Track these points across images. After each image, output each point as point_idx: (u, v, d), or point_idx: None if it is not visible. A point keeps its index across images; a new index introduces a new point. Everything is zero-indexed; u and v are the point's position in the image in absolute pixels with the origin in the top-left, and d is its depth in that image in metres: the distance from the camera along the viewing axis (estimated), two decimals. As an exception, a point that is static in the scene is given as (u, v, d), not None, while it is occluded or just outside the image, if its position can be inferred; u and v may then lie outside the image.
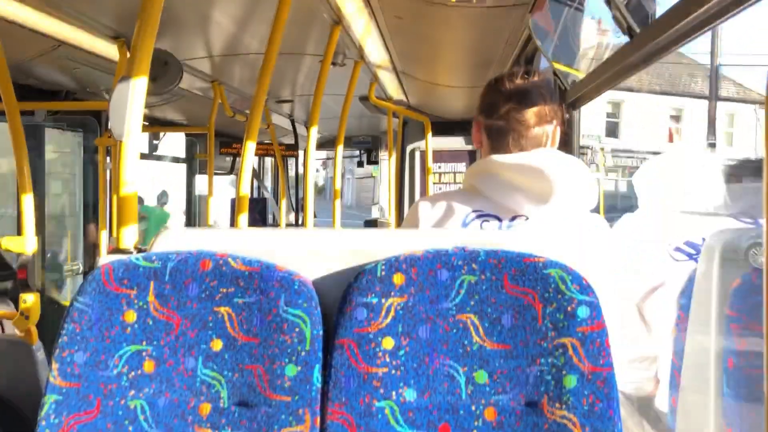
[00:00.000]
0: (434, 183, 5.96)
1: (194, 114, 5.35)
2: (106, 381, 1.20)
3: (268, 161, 8.83)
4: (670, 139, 28.67)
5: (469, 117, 5.87)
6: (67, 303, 4.66)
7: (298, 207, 7.24)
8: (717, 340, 1.37)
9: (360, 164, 9.76)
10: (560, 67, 2.47)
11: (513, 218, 1.50)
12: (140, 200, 7.16)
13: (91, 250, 4.92)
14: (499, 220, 1.50)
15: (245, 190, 2.46)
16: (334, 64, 3.33)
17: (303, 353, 1.18)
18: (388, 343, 1.17)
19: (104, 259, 1.29)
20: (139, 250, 1.40)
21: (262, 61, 2.26)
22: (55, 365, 1.20)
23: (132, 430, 1.19)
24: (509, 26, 2.75)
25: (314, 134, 3.25)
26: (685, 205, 1.70)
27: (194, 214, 7.31)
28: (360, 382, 1.17)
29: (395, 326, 1.18)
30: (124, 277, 1.23)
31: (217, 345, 1.21)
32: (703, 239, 1.61)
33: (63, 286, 5.10)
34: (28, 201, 2.58)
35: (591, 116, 25.86)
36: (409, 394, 1.16)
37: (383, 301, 1.18)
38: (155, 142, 6.94)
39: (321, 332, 1.19)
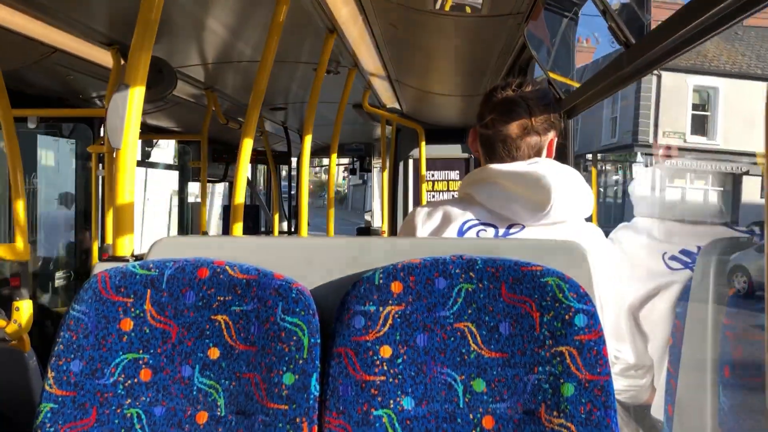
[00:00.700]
0: (427, 191, 5.97)
1: (187, 121, 5.34)
2: (102, 389, 1.20)
3: (260, 169, 8.82)
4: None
5: (462, 125, 5.90)
6: (59, 310, 4.64)
7: (291, 215, 7.23)
8: (713, 349, 1.37)
9: (353, 172, 9.75)
10: (555, 76, 2.48)
11: (509, 227, 1.51)
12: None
13: (83, 258, 4.90)
14: (496, 228, 1.51)
15: (240, 198, 2.46)
16: (328, 71, 3.33)
17: (300, 361, 1.18)
18: (386, 351, 1.17)
19: (100, 266, 1.28)
20: (136, 258, 1.39)
21: (256, 69, 2.26)
22: (50, 373, 1.19)
23: None
24: (504, 35, 2.76)
25: (309, 141, 3.25)
26: (681, 214, 1.71)
27: (186, 221, 7.29)
28: (358, 390, 1.16)
29: (393, 334, 1.18)
30: (121, 285, 1.22)
31: (214, 353, 1.21)
32: (699, 248, 1.62)
33: (55, 293, 5.07)
34: (21, 208, 2.57)
35: (675, 107, 20.72)
36: (407, 403, 1.16)
37: (381, 309, 1.18)
38: (147, 149, 6.92)
39: (319, 340, 1.19)
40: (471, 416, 1.15)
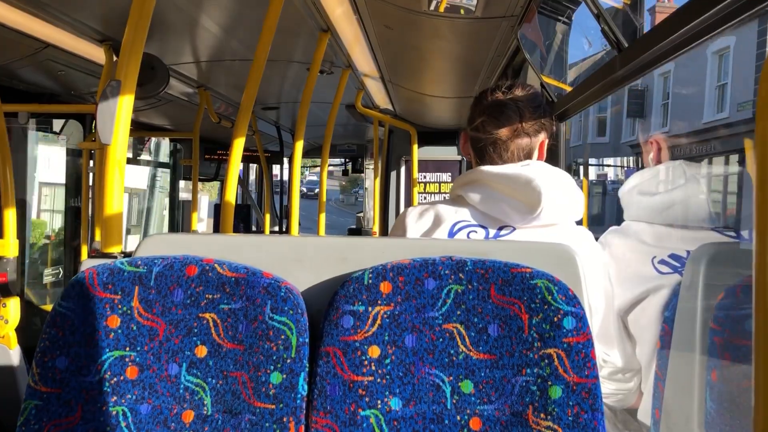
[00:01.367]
0: (419, 193, 5.97)
1: (179, 119, 5.33)
2: (87, 386, 1.19)
3: (252, 168, 8.81)
4: None
5: (455, 128, 5.91)
6: (46, 308, 4.62)
7: (282, 215, 7.22)
8: (701, 353, 1.38)
9: (345, 173, 9.75)
10: (548, 79, 2.48)
11: (500, 229, 1.51)
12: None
13: (72, 254, 4.88)
14: (486, 230, 1.51)
15: (230, 197, 2.45)
16: (321, 71, 3.33)
17: (288, 361, 1.17)
18: (374, 351, 1.17)
19: (88, 263, 1.27)
20: (125, 255, 1.39)
21: (249, 68, 2.26)
22: (35, 370, 1.18)
23: None
24: (498, 38, 2.76)
25: (301, 141, 3.24)
26: (670, 218, 1.71)
27: (178, 220, 7.27)
28: (345, 390, 1.16)
29: (381, 335, 1.17)
30: (109, 282, 1.22)
31: (202, 351, 1.20)
32: (688, 252, 1.62)
33: (43, 290, 5.04)
34: (10, 204, 2.55)
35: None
36: (395, 403, 1.16)
37: (370, 309, 1.18)
38: (139, 146, 6.90)
39: (307, 340, 1.19)
40: (458, 417, 1.15)
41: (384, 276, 1.19)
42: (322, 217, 4.27)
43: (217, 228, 7.11)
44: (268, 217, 6.84)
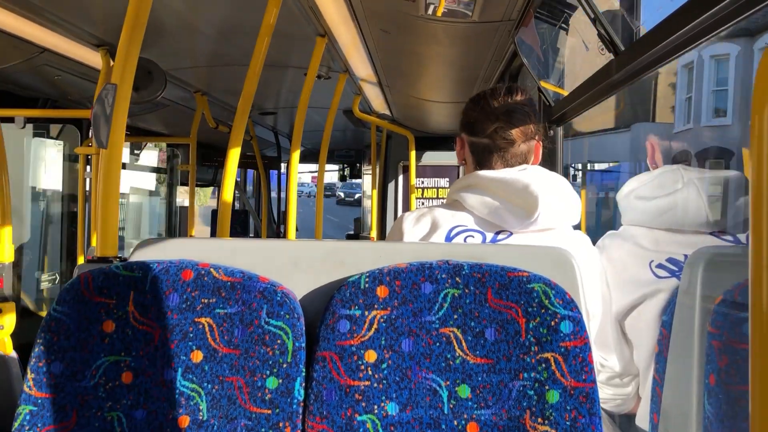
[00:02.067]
0: (417, 198, 5.97)
1: (176, 124, 5.32)
2: (82, 392, 1.18)
3: (251, 173, 8.80)
4: None
5: (453, 132, 5.91)
6: (42, 313, 4.61)
7: (280, 220, 7.21)
8: (699, 357, 1.37)
9: (343, 178, 9.75)
10: (545, 84, 2.48)
11: (497, 233, 1.50)
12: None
13: (68, 259, 4.86)
14: (484, 235, 1.50)
15: (228, 202, 2.44)
16: (318, 76, 3.33)
17: (284, 365, 1.16)
18: (371, 356, 1.16)
19: (83, 267, 1.26)
20: (120, 259, 1.38)
21: (246, 73, 2.25)
22: (30, 375, 1.17)
23: None
24: (495, 42, 2.76)
25: (298, 146, 3.24)
26: (667, 223, 1.71)
27: (174, 225, 7.26)
28: (342, 395, 1.15)
29: (378, 339, 1.17)
30: (104, 287, 1.21)
31: (197, 356, 1.20)
32: (686, 256, 1.62)
33: (39, 295, 5.03)
34: (6, 209, 2.55)
35: None
36: (391, 408, 1.15)
37: (366, 313, 1.17)
38: (136, 152, 6.89)
39: (303, 344, 1.18)
40: (455, 422, 1.14)
41: (381, 280, 1.19)
42: (320, 221, 4.26)
43: (214, 234, 7.10)
44: (265, 222, 6.84)
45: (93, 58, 3.18)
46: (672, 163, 1.79)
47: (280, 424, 1.14)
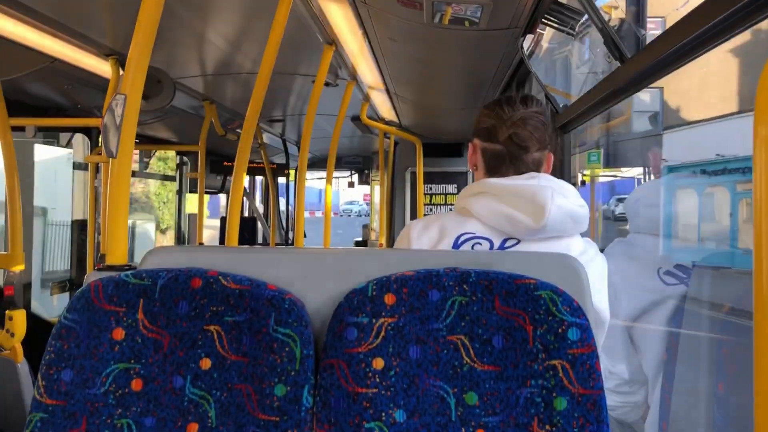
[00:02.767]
0: (425, 204, 5.97)
1: (185, 132, 5.35)
2: (92, 399, 1.19)
3: (258, 180, 8.82)
4: None
5: (461, 139, 5.91)
6: (53, 320, 4.63)
7: (288, 227, 7.22)
8: (708, 365, 1.37)
9: (351, 185, 9.76)
10: (553, 90, 2.48)
11: (505, 241, 1.50)
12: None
13: (78, 267, 4.89)
14: (491, 242, 1.50)
15: (236, 210, 2.45)
16: (326, 84, 3.34)
17: (293, 373, 1.17)
18: (379, 363, 1.17)
19: (93, 275, 1.27)
20: (129, 267, 1.39)
21: (254, 81, 2.26)
22: (41, 382, 1.18)
23: None
24: (502, 49, 2.77)
25: (306, 153, 3.25)
26: (675, 230, 1.71)
27: (184, 233, 7.28)
28: (349, 402, 1.16)
29: (385, 346, 1.17)
30: (114, 294, 1.22)
31: (206, 364, 1.20)
32: (694, 263, 1.62)
33: (49, 303, 5.05)
34: (16, 217, 2.56)
35: None
36: (399, 416, 1.15)
37: (374, 321, 1.18)
38: (145, 159, 6.93)
39: (311, 352, 1.18)
40: (463, 430, 1.14)
41: (388, 288, 1.19)
42: (328, 228, 4.27)
43: (222, 242, 7.12)
44: (274, 229, 6.85)
45: (103, 67, 3.20)
46: None
47: None
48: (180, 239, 7.34)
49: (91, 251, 4.23)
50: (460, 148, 6.07)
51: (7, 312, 2.48)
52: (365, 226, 8.84)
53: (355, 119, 4.82)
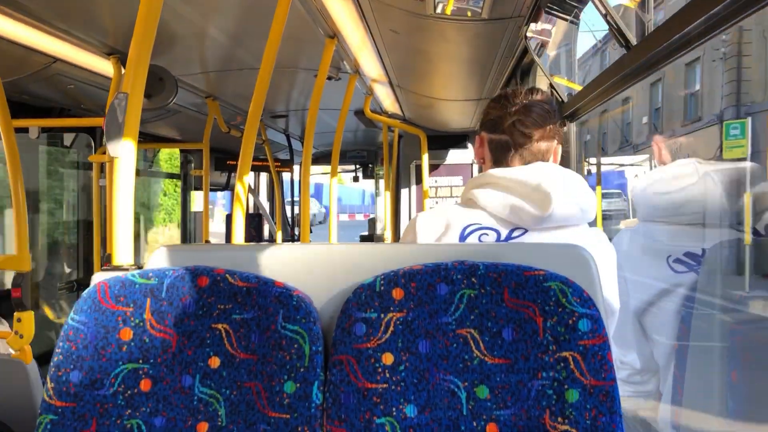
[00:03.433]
0: (431, 197, 5.95)
1: (189, 130, 5.34)
2: (102, 400, 1.18)
3: (263, 177, 8.81)
4: None
5: (465, 131, 5.89)
6: (60, 321, 4.64)
7: (294, 223, 7.21)
8: (720, 353, 1.35)
9: (355, 179, 9.74)
10: (557, 80, 2.47)
11: (512, 231, 1.49)
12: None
13: (84, 267, 4.89)
14: (498, 233, 1.49)
15: (241, 207, 2.44)
16: (329, 78, 3.33)
17: (302, 370, 1.16)
18: (388, 358, 1.16)
19: (99, 276, 1.27)
20: (136, 267, 1.38)
21: (257, 76, 2.25)
22: (50, 384, 1.18)
23: None
24: (505, 39, 2.75)
25: (310, 148, 3.24)
26: (684, 217, 1.69)
27: (190, 231, 7.28)
28: (360, 398, 1.15)
29: (395, 341, 1.16)
30: (120, 295, 1.21)
31: (215, 362, 1.20)
32: (704, 250, 1.60)
33: (57, 304, 5.06)
34: (22, 218, 2.56)
35: None
36: (410, 410, 1.15)
37: (382, 316, 1.17)
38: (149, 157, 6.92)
39: (320, 348, 1.18)
40: (475, 423, 1.13)
41: (396, 282, 1.18)
42: (334, 223, 4.26)
43: (228, 239, 7.12)
44: (280, 225, 6.85)
45: (104, 66, 3.19)
46: None
47: (299, 429, 1.14)
48: (186, 237, 7.35)
49: (97, 251, 4.24)
50: (464, 140, 6.05)
51: (15, 314, 2.48)
52: (371, 220, 8.82)
53: (359, 113, 4.81)
